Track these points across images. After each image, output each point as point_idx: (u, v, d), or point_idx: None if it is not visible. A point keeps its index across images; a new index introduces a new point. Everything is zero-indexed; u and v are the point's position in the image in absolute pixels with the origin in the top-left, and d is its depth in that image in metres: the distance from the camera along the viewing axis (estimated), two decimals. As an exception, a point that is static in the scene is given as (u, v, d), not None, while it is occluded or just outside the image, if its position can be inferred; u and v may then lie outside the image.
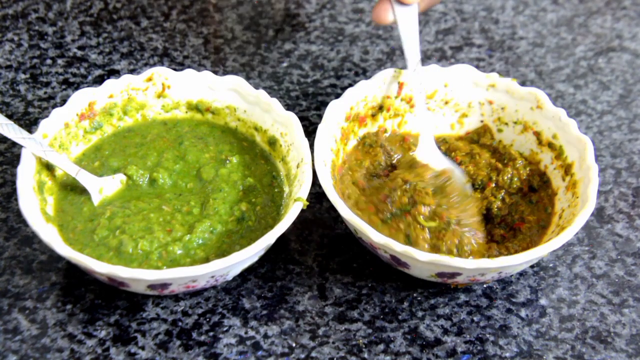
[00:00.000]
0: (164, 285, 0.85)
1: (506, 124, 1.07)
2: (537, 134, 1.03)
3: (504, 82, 1.05)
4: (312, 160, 0.94)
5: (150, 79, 1.04)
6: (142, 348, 0.88)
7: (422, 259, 0.85)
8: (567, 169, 0.99)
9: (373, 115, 1.06)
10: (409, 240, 0.92)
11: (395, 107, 1.07)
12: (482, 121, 1.08)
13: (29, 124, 1.12)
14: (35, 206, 0.89)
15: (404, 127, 1.08)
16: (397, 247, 0.86)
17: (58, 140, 0.97)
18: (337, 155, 1.01)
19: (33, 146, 0.92)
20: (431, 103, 1.08)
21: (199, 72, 1.04)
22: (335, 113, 1.00)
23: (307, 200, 0.91)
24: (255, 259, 0.91)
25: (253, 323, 0.90)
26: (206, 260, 0.89)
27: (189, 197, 0.96)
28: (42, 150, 0.92)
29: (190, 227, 0.92)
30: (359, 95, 1.03)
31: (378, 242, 0.87)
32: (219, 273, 0.86)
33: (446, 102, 1.08)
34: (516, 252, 0.93)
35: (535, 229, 0.96)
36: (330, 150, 0.99)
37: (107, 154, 1.01)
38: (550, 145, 1.02)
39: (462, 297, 0.95)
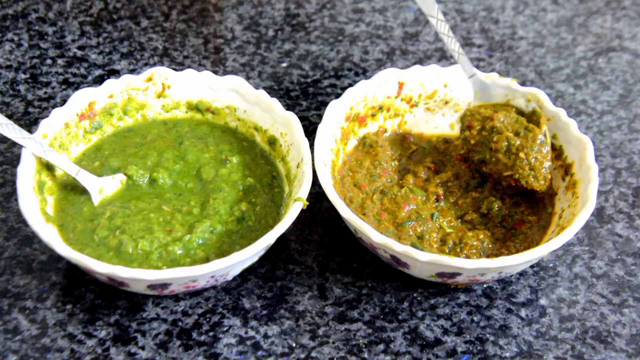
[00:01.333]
0: (164, 285, 0.85)
1: None
2: (537, 134, 1.04)
3: (504, 82, 1.05)
4: (312, 160, 0.94)
5: (150, 79, 1.04)
6: (142, 348, 0.88)
7: (421, 259, 0.85)
8: (567, 169, 0.99)
9: (373, 115, 1.06)
10: (422, 240, 0.93)
11: (395, 107, 1.07)
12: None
13: (29, 123, 1.12)
14: (35, 206, 0.89)
15: (404, 127, 1.08)
16: (397, 247, 0.86)
17: (58, 140, 0.97)
18: (337, 155, 1.01)
19: (33, 146, 0.92)
20: (431, 103, 1.08)
21: (199, 72, 1.04)
22: (335, 113, 1.00)
23: (307, 200, 0.91)
24: (256, 259, 0.91)
25: (253, 323, 0.90)
26: (206, 260, 0.89)
27: (189, 197, 0.96)
28: (42, 150, 0.92)
29: (191, 227, 0.92)
30: (359, 95, 1.03)
31: (378, 242, 0.87)
32: (219, 273, 0.86)
33: (446, 102, 1.08)
34: (517, 251, 0.93)
35: (535, 229, 0.96)
36: (331, 150, 0.99)
37: (107, 154, 1.01)
38: (550, 145, 1.02)
39: (462, 297, 0.95)
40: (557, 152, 1.01)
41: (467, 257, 0.92)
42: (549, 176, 0.97)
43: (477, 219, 0.98)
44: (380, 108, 1.06)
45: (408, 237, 0.94)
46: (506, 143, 0.96)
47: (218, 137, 1.04)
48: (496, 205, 0.98)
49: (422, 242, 0.93)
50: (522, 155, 0.95)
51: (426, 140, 1.08)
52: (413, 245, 0.92)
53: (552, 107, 1.02)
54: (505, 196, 0.99)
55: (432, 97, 1.07)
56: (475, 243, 0.93)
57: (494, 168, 0.98)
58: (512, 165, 0.96)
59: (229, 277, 0.90)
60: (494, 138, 0.98)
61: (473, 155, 1.01)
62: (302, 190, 0.91)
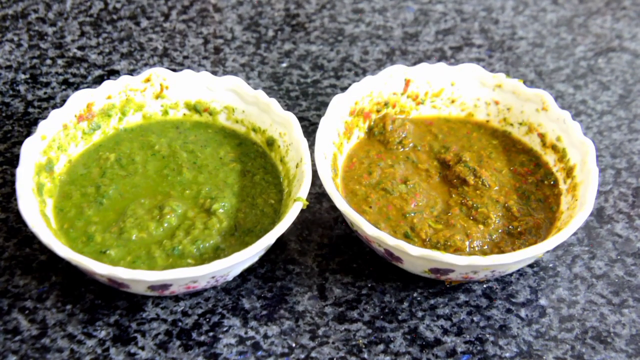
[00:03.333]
0: (165, 286, 0.85)
1: (511, 124, 1.06)
2: (542, 136, 1.03)
3: (510, 82, 1.05)
4: (312, 156, 0.94)
5: (148, 80, 1.03)
6: (142, 348, 0.88)
7: (413, 254, 0.85)
8: (568, 172, 0.98)
9: (378, 111, 1.06)
10: (413, 231, 0.92)
11: (401, 104, 1.06)
12: (487, 121, 1.08)
13: (29, 124, 1.12)
14: (35, 208, 0.89)
15: None
16: (390, 240, 0.86)
17: (57, 141, 0.97)
18: (340, 148, 1.01)
19: (32, 148, 0.92)
20: (437, 101, 1.08)
21: (197, 73, 1.04)
22: (339, 107, 1.00)
23: (307, 200, 0.91)
24: (256, 259, 0.91)
25: (253, 323, 0.90)
26: (207, 260, 0.89)
27: (187, 198, 0.96)
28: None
29: (190, 227, 0.92)
30: (364, 91, 1.03)
31: (372, 236, 0.87)
32: (219, 274, 0.86)
33: (452, 101, 1.08)
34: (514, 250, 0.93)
35: (543, 229, 0.96)
36: (332, 143, 0.99)
37: (107, 154, 1.01)
38: (554, 148, 1.02)
39: (462, 298, 0.95)
40: (561, 155, 1.01)
41: (460, 253, 0.92)
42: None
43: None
44: (386, 104, 1.06)
45: (411, 230, 0.93)
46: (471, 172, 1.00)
47: (216, 137, 1.04)
48: (493, 214, 0.97)
49: (420, 234, 0.93)
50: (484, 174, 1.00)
51: (424, 122, 1.08)
52: (405, 234, 0.92)
53: (558, 109, 1.02)
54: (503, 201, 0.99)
55: (439, 96, 1.07)
56: (477, 238, 0.93)
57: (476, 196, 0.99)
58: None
59: (229, 278, 0.90)
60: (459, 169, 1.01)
61: (455, 168, 1.01)
62: (302, 191, 0.91)
